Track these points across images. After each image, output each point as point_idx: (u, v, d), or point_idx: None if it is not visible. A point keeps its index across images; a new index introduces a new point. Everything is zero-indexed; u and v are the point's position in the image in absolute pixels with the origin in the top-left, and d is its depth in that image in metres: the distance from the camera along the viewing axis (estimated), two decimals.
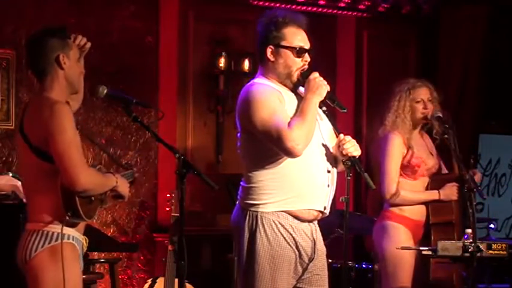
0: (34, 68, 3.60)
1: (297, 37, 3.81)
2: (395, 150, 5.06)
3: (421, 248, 4.83)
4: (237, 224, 3.81)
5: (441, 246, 4.62)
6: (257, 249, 3.72)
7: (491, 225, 6.67)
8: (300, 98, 3.81)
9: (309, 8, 7.36)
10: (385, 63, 7.66)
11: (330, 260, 5.77)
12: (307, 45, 3.84)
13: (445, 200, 5.05)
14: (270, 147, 3.69)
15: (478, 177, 5.17)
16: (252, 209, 3.75)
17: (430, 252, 4.71)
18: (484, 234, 6.59)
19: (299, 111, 3.72)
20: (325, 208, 3.83)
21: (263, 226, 3.72)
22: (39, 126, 3.45)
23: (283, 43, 3.78)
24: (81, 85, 3.73)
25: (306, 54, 3.82)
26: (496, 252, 4.70)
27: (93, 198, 3.54)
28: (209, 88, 7.07)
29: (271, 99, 3.69)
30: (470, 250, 4.58)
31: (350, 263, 5.67)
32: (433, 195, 5.07)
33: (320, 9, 7.44)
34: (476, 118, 7.71)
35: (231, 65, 7.04)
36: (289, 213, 3.75)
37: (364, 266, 5.93)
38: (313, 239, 3.84)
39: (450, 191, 5.05)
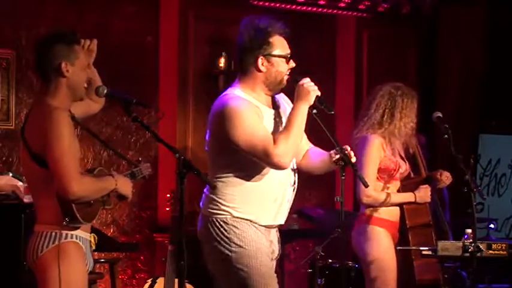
0: (39, 71, 3.60)
1: (283, 44, 3.84)
2: (374, 152, 5.05)
3: (421, 248, 4.83)
4: (205, 234, 3.81)
5: (441, 246, 4.62)
6: (238, 247, 3.73)
7: (491, 225, 6.68)
8: (276, 110, 3.86)
9: (309, 8, 7.37)
10: (385, 63, 7.66)
11: (330, 260, 5.80)
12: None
13: (420, 202, 5.07)
14: (241, 160, 3.72)
15: (447, 177, 5.18)
16: (219, 216, 3.77)
17: (430, 252, 4.71)
18: (484, 234, 6.60)
19: (287, 121, 3.76)
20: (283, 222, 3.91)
21: (234, 226, 3.74)
22: (38, 132, 3.46)
23: (275, 52, 3.80)
24: (89, 90, 3.68)
25: (291, 61, 3.85)
26: (496, 252, 4.70)
27: (92, 201, 3.54)
28: (209, 88, 7.07)
29: (251, 115, 3.70)
30: (470, 250, 4.59)
31: (350, 263, 5.68)
32: (409, 197, 5.07)
33: (320, 9, 7.45)
34: (476, 118, 7.72)
35: (231, 65, 7.03)
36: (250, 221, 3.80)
37: None
38: (270, 240, 3.86)
39: (425, 193, 5.06)
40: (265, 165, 3.72)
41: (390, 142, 5.08)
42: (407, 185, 5.14)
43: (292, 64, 3.84)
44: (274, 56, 3.79)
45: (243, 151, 3.69)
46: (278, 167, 3.70)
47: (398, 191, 5.11)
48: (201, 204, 3.88)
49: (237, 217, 3.75)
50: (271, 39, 3.79)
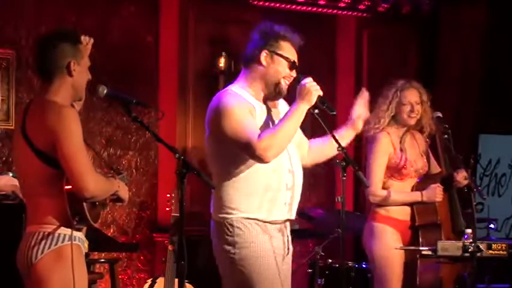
0: (41, 70, 3.54)
1: (291, 52, 3.87)
2: (381, 150, 5.07)
3: (421, 248, 4.83)
4: (214, 235, 3.82)
5: (441, 246, 4.62)
6: (247, 252, 3.74)
7: (491, 225, 6.67)
8: (276, 110, 3.88)
9: (309, 8, 7.37)
10: (385, 63, 7.66)
11: (330, 260, 5.81)
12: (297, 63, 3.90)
13: (427, 201, 5.04)
14: (238, 155, 3.73)
15: (463, 177, 5.13)
16: (225, 217, 3.77)
17: (430, 252, 4.71)
18: (484, 234, 6.59)
19: (282, 117, 3.77)
20: (291, 215, 3.93)
21: (238, 227, 3.75)
22: (45, 130, 3.39)
23: (280, 52, 3.84)
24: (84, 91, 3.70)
25: (294, 71, 3.86)
26: (496, 252, 4.70)
27: (97, 203, 3.52)
28: (209, 88, 7.06)
29: (242, 110, 3.73)
30: (470, 250, 4.59)
31: (350, 263, 5.68)
32: (416, 196, 5.06)
33: (320, 9, 7.45)
34: (476, 118, 7.72)
35: (231, 65, 7.04)
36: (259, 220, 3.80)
37: (364, 266, 5.92)
38: (286, 235, 3.92)
39: (433, 193, 5.03)
40: (249, 158, 3.72)
41: (399, 138, 5.10)
42: (424, 181, 5.12)
43: (293, 74, 3.85)
44: (278, 54, 3.82)
45: (229, 142, 3.71)
46: (260, 159, 3.68)
47: (412, 188, 5.10)
48: (211, 206, 3.89)
49: (242, 217, 3.75)
50: (280, 41, 3.83)
